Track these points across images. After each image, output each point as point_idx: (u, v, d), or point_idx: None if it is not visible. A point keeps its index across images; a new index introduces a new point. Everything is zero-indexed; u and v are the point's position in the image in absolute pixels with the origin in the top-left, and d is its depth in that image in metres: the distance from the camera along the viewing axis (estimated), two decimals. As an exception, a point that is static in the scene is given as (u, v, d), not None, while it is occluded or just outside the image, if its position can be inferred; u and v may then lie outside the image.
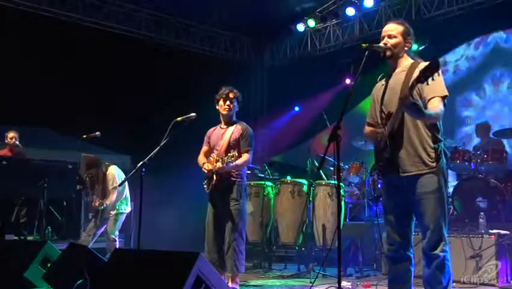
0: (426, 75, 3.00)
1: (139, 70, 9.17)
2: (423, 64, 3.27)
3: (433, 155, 3.34)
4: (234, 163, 4.77)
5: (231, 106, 5.09)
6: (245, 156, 4.97)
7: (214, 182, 4.91)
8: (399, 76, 3.45)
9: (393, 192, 3.49)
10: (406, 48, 3.52)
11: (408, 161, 3.35)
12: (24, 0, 8.58)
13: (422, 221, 3.39)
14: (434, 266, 3.34)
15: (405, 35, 3.50)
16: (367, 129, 3.70)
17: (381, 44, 3.49)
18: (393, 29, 3.51)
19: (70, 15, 9.09)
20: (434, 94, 3.30)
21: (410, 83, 3.12)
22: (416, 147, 3.35)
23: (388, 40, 3.49)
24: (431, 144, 3.36)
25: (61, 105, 8.28)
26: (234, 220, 4.88)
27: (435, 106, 3.27)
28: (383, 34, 3.54)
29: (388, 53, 3.49)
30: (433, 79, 3.01)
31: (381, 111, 3.52)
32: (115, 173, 6.24)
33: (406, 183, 3.39)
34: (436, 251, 3.33)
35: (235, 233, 4.87)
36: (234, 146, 4.98)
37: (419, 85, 3.14)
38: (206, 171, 4.97)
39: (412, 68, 3.38)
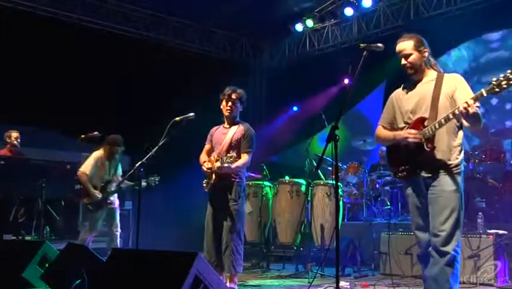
0: (502, 87, 3.05)
1: (138, 70, 9.18)
2: (450, 75, 3.50)
3: (457, 160, 3.48)
4: (232, 165, 4.77)
5: (233, 107, 5.07)
6: (244, 158, 4.96)
7: (212, 182, 4.91)
8: (427, 85, 3.58)
9: (417, 193, 3.57)
10: (424, 58, 3.60)
11: (436, 163, 3.46)
12: (24, 0, 8.58)
13: (437, 217, 3.43)
14: (444, 263, 3.37)
15: (417, 47, 3.59)
16: (384, 131, 3.77)
17: (402, 63, 3.60)
18: (405, 48, 3.61)
19: (70, 15, 9.09)
20: None
21: (478, 93, 3.17)
22: (445, 151, 3.47)
23: (406, 60, 3.60)
24: (456, 151, 3.49)
25: (61, 105, 8.27)
26: (232, 220, 4.87)
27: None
28: (399, 55, 3.63)
29: (410, 71, 3.62)
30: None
31: (405, 117, 3.62)
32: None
33: (430, 183, 3.49)
34: (447, 248, 3.37)
35: (233, 233, 4.86)
36: (235, 146, 4.97)
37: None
38: (205, 169, 4.97)
39: (439, 79, 3.53)
